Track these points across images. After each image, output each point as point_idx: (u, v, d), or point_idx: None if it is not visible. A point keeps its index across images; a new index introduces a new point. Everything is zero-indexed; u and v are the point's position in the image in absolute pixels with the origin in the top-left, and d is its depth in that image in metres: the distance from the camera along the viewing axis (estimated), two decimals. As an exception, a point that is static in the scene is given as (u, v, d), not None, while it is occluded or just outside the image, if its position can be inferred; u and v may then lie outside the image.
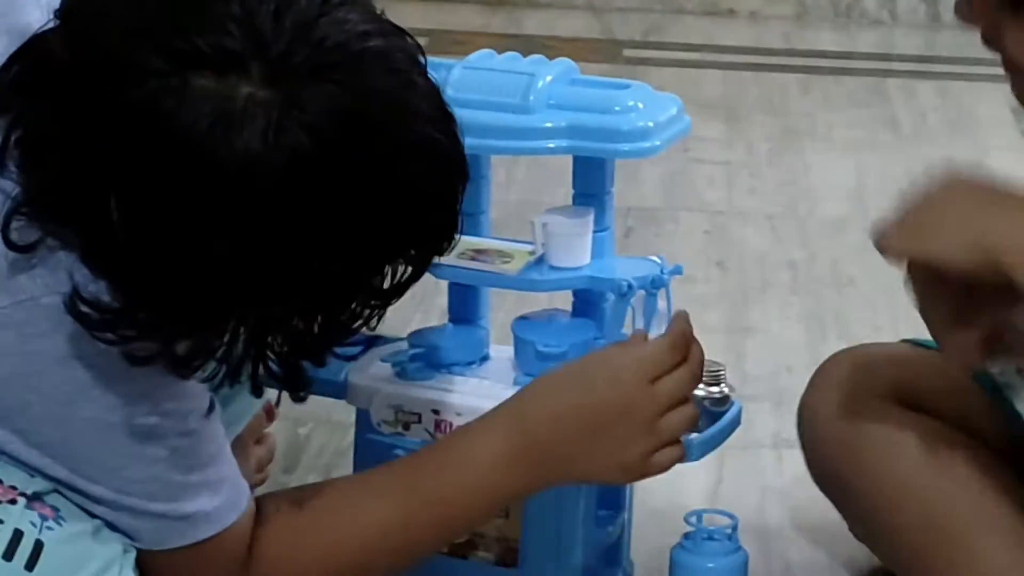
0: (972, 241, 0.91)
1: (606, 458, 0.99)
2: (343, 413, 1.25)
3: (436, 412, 1.10)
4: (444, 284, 1.21)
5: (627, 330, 1.11)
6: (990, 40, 0.97)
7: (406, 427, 1.11)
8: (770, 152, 2.34)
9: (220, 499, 0.92)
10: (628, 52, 2.61)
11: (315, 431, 1.43)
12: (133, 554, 0.97)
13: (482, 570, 1.13)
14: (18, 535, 0.93)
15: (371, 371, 1.15)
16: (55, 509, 0.95)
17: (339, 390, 1.14)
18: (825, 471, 1.20)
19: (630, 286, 1.08)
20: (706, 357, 1.05)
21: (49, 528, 0.94)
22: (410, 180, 0.82)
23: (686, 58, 2.47)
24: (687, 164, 1.71)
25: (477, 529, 1.10)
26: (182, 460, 0.90)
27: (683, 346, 0.98)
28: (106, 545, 0.96)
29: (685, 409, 0.99)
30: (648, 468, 0.98)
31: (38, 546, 0.92)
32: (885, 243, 0.96)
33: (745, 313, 1.50)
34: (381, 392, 1.12)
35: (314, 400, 1.21)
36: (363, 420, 1.14)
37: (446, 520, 1.02)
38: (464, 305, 1.21)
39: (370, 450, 1.13)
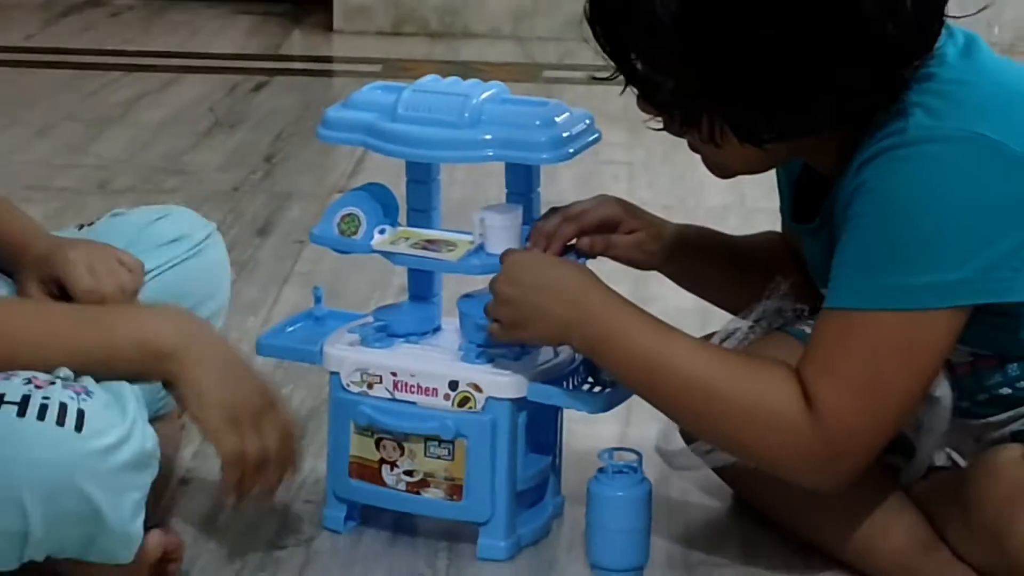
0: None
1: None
2: (319, 376, 1.38)
3: (394, 374, 1.24)
4: (402, 268, 1.34)
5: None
6: (692, 147, 1.21)
7: (370, 387, 1.25)
8: (664, 154, 2.45)
9: None
10: (547, 73, 2.88)
11: (296, 391, 1.54)
12: (146, 411, 1.14)
13: (433, 504, 1.27)
14: (63, 406, 1.08)
15: (341, 341, 1.29)
16: (83, 387, 1.12)
17: (316, 357, 1.29)
18: None
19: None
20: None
21: (84, 400, 1.10)
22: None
23: (594, 80, 2.96)
24: (597, 166, 1.85)
25: (423, 467, 1.26)
26: None
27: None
28: (128, 405, 1.13)
29: None
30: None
31: (80, 414, 1.07)
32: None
33: (646, 286, 1.61)
34: (349, 359, 1.26)
35: (295, 366, 1.36)
36: (335, 382, 1.27)
37: (66, 348, 1.23)
38: (420, 285, 1.34)
39: (341, 406, 1.28)
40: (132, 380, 1.19)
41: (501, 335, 1.23)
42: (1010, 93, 1.15)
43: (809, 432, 1.13)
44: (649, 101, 1.16)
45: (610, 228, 1.34)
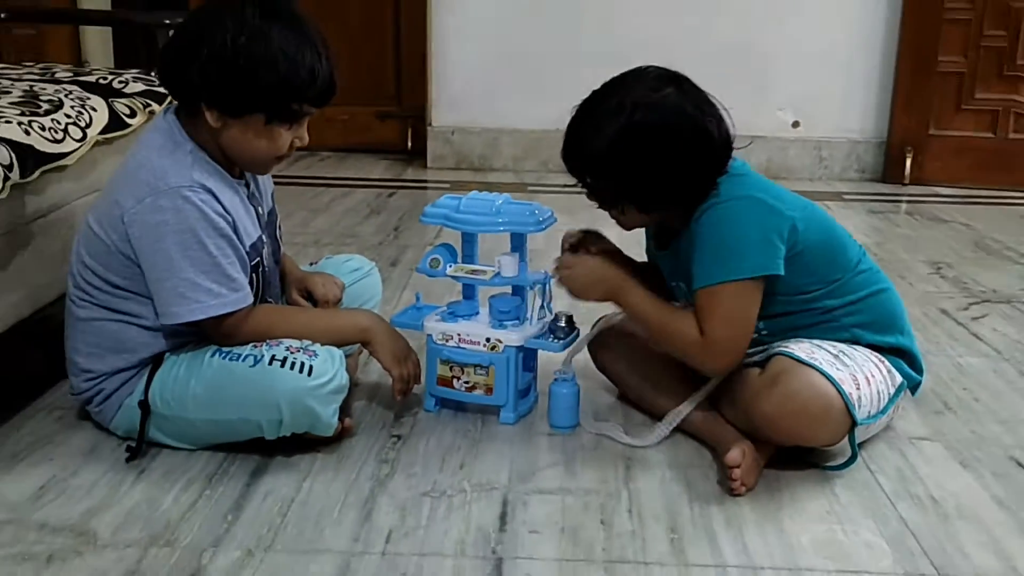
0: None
1: (393, 344, 1.71)
2: (421, 337, 1.83)
3: (458, 335, 1.75)
4: (459, 284, 1.86)
5: (531, 302, 1.77)
6: (611, 215, 1.62)
7: (446, 341, 1.75)
8: (589, 220, 2.40)
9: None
10: (530, 188, 3.84)
11: (411, 343, 1.84)
12: (344, 360, 1.60)
13: (477, 397, 1.76)
14: (302, 363, 1.54)
15: (432, 319, 1.78)
16: (313, 351, 1.57)
17: (420, 327, 1.78)
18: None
19: (534, 283, 1.76)
20: (565, 313, 1.75)
21: (312, 358, 1.57)
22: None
23: (557, 191, 3.39)
24: (554, 231, 1.86)
25: (473, 380, 1.74)
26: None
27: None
28: (335, 359, 1.61)
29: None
30: (404, 366, 1.72)
31: (310, 367, 1.54)
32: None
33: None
34: (436, 327, 1.77)
35: (411, 332, 1.81)
36: (430, 339, 1.77)
37: (320, 337, 1.62)
38: (468, 292, 1.84)
39: (432, 351, 1.77)
40: (347, 344, 1.69)
41: (578, 293, 1.68)
42: (762, 180, 1.61)
43: (702, 346, 1.56)
44: (593, 196, 1.61)
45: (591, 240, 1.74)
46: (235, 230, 1.56)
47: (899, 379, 1.68)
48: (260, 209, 1.66)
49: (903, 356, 1.70)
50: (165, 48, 1.54)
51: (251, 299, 1.56)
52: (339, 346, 1.60)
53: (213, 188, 1.53)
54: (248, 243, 1.60)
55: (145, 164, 1.52)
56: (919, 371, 1.73)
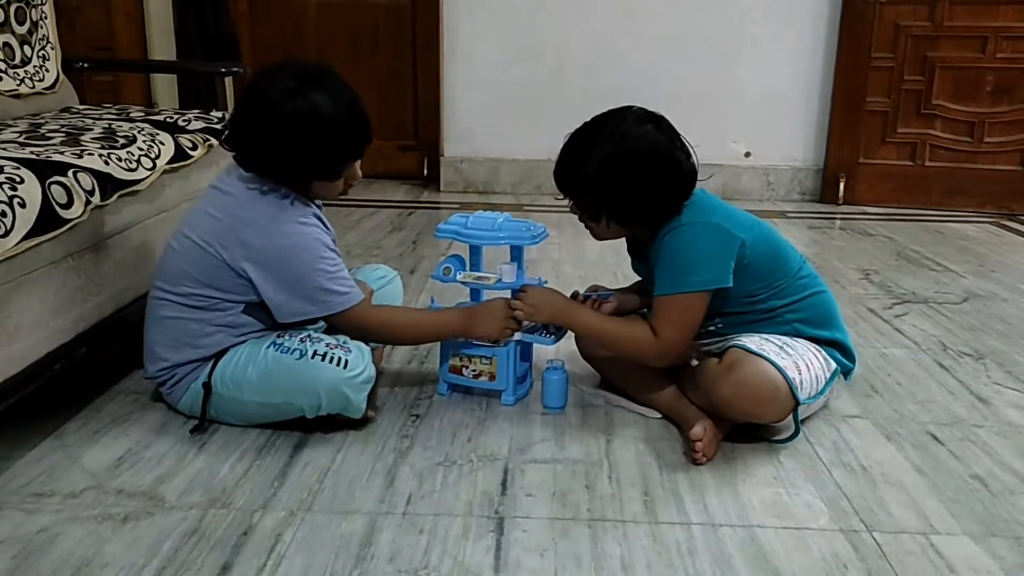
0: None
1: (487, 328, 1.67)
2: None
3: None
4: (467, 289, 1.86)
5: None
6: (584, 223, 1.60)
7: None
8: (572, 240, 2.88)
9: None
10: (527, 208, 3.76)
11: None
12: (371, 355, 1.59)
13: (482, 383, 1.76)
14: (338, 357, 1.53)
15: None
16: (348, 347, 1.56)
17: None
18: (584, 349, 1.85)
19: (530, 287, 1.71)
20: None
21: (347, 353, 1.56)
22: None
23: (548, 210, 3.24)
24: (546, 245, 2.09)
25: (479, 368, 1.72)
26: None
27: (517, 305, 1.64)
28: (365, 355, 1.58)
29: (513, 324, 1.67)
30: (501, 335, 1.68)
31: (345, 360, 1.54)
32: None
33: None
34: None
35: None
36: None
37: (426, 329, 1.68)
38: (475, 296, 1.88)
39: (446, 344, 1.76)
40: (448, 339, 1.70)
41: (527, 317, 1.69)
42: (718, 204, 1.60)
43: (656, 344, 1.57)
44: (577, 209, 1.61)
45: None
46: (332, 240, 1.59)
47: (834, 366, 1.67)
48: (331, 233, 1.67)
49: (837, 347, 1.70)
50: (248, 137, 1.53)
51: (362, 296, 1.57)
52: (441, 340, 1.68)
53: (315, 214, 1.57)
54: None
55: (261, 204, 1.53)
56: (852, 360, 1.72)
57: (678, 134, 1.56)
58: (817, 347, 1.65)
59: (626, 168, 1.50)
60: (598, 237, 1.65)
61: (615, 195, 1.53)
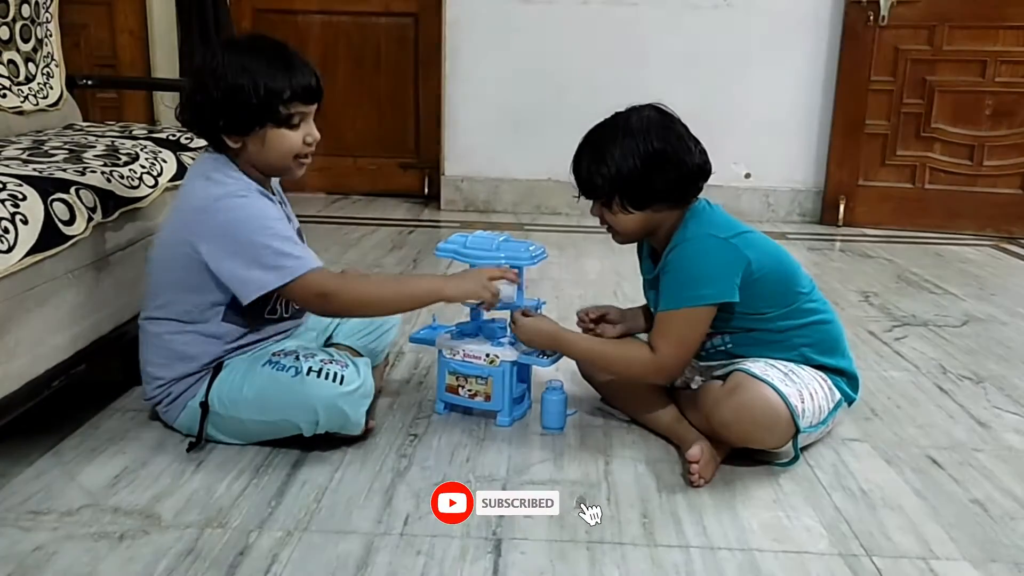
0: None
1: (464, 286, 1.61)
2: (434, 351, 1.83)
3: (464, 351, 1.74)
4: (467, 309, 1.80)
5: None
6: (601, 220, 1.58)
7: (454, 355, 1.74)
8: (573, 260, 2.85)
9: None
10: (527, 227, 3.74)
11: (424, 356, 2.11)
12: (371, 369, 1.58)
13: (478, 403, 1.74)
14: (334, 373, 1.52)
15: (443, 337, 1.77)
16: (344, 362, 1.56)
17: (433, 343, 1.77)
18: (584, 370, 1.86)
19: (528, 308, 1.73)
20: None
21: (344, 368, 1.54)
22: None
23: (549, 229, 3.46)
24: (546, 264, 2.08)
25: (474, 388, 1.70)
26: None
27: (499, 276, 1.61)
28: (362, 370, 1.57)
29: (492, 287, 1.61)
30: (480, 296, 1.62)
31: (341, 376, 1.52)
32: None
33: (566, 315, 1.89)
34: (446, 344, 1.76)
35: (427, 348, 1.85)
36: (440, 353, 1.76)
37: (398, 292, 1.59)
38: (474, 315, 1.83)
39: (443, 363, 1.75)
40: (425, 305, 1.61)
41: (526, 343, 1.69)
42: (722, 217, 1.60)
43: (655, 361, 1.55)
44: (593, 196, 1.59)
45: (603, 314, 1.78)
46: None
47: (838, 396, 1.66)
48: (293, 224, 1.64)
49: (843, 376, 1.69)
50: (180, 106, 1.57)
51: (320, 262, 1.51)
52: (417, 306, 1.62)
53: (260, 191, 1.54)
54: None
55: (203, 190, 1.53)
56: (855, 390, 1.72)
57: (688, 130, 1.59)
58: (823, 376, 1.64)
59: (648, 155, 1.53)
60: (617, 233, 1.62)
61: (634, 176, 1.53)
